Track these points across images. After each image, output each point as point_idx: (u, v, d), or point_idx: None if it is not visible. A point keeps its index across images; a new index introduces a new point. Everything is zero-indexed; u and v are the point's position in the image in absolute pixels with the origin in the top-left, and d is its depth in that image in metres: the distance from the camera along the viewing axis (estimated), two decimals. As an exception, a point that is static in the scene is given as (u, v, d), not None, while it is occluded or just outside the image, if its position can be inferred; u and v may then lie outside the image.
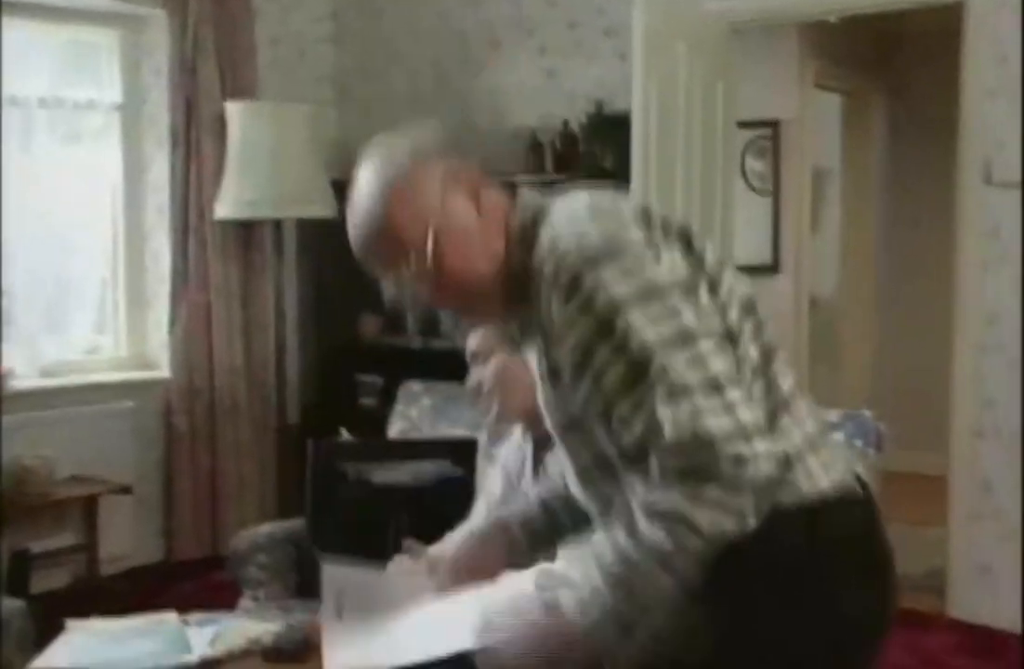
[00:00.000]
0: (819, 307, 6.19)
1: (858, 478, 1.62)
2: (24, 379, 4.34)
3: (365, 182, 1.66)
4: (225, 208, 4.47)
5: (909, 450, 5.39)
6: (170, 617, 2.50)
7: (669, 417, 1.42)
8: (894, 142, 6.49)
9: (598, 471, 1.62)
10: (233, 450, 4.77)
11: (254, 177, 4.41)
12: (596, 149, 4.45)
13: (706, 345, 1.47)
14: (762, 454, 1.43)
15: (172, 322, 4.68)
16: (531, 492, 1.99)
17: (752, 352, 1.56)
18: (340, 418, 3.85)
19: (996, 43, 3.90)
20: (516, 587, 1.80)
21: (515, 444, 2.59)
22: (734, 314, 1.56)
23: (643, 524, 1.45)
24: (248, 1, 4.80)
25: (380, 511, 2.97)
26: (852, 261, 6.50)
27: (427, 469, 3.02)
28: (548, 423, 1.69)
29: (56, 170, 4.59)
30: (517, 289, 1.59)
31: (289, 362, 4.93)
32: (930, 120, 5.87)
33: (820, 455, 1.57)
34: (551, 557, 1.85)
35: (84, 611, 2.51)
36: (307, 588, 3.08)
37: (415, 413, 3.42)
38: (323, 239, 5.05)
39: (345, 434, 3.42)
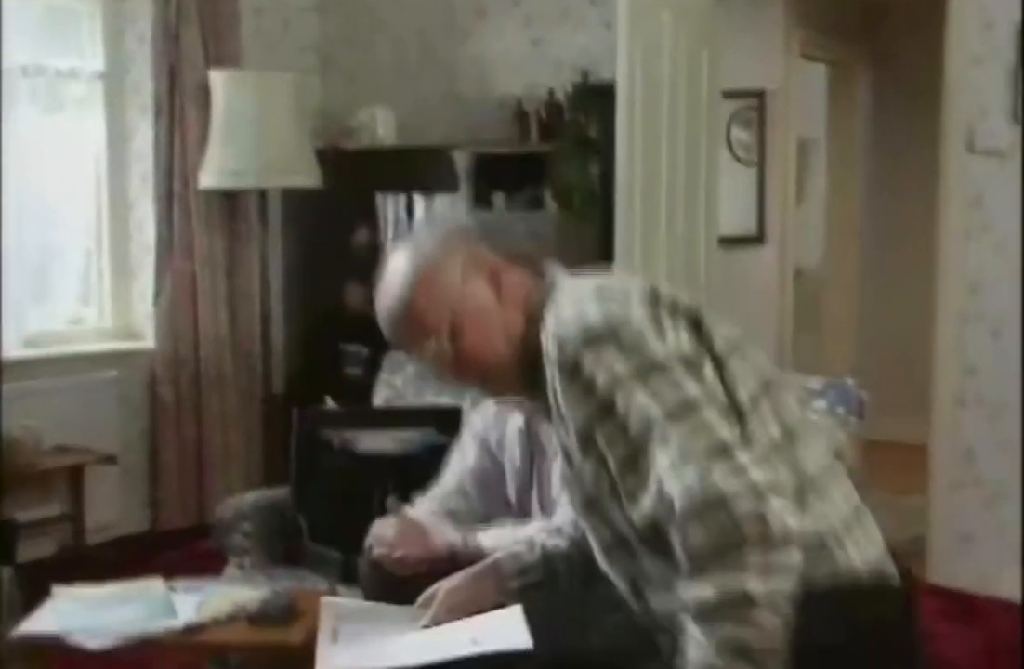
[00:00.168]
0: (804, 277, 6.20)
1: (892, 557, 1.60)
2: (8, 349, 4.33)
3: (395, 268, 1.77)
4: (209, 177, 4.46)
5: (892, 419, 5.42)
6: (156, 584, 2.52)
7: (677, 487, 1.42)
8: (879, 112, 6.48)
9: (618, 550, 1.63)
10: (218, 420, 4.77)
11: (238, 146, 4.40)
12: (581, 118, 4.44)
13: (710, 413, 1.47)
14: (782, 509, 1.41)
15: (157, 292, 4.67)
16: (537, 537, 2.06)
17: (773, 431, 1.55)
18: (325, 388, 3.86)
19: (981, 9, 3.90)
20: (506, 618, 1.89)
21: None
22: (745, 393, 1.55)
23: (704, 630, 1.41)
24: (231, -32, 4.77)
25: (364, 479, 2.98)
26: (837, 231, 6.52)
27: (412, 437, 3.04)
28: (569, 501, 1.72)
29: (39, 139, 4.56)
30: (534, 368, 1.63)
31: (274, 332, 4.93)
32: (916, 89, 5.87)
33: (854, 536, 1.55)
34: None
35: (70, 580, 2.53)
36: (292, 556, 3.10)
37: (400, 381, 3.43)
38: (308, 209, 5.05)
39: (330, 402, 3.43)
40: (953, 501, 4.10)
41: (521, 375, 1.68)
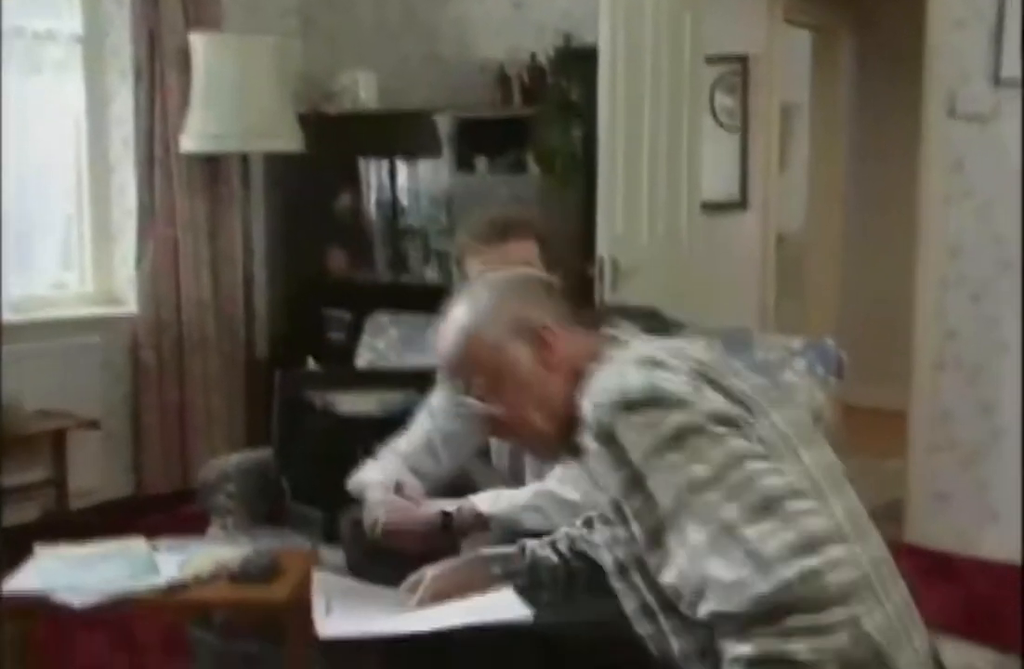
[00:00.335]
0: (786, 243, 6.21)
1: (935, 657, 1.55)
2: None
3: (451, 318, 1.76)
4: (190, 141, 4.43)
5: (872, 385, 5.46)
6: (138, 543, 2.54)
7: (718, 562, 1.36)
8: (863, 77, 6.48)
9: (645, 617, 1.60)
10: (201, 384, 4.77)
11: (219, 110, 4.37)
12: (563, 82, 4.43)
13: (757, 465, 1.42)
14: (840, 559, 1.36)
15: (139, 257, 4.65)
16: (530, 543, 2.02)
17: (838, 511, 1.49)
18: (308, 352, 3.87)
19: (963, -27, 3.90)
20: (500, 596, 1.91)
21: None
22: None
23: None
24: (211, -71, 4.72)
25: (347, 440, 2.99)
26: (819, 197, 6.53)
27: (394, 399, 3.05)
28: (606, 564, 1.68)
29: (17, 102, 4.52)
30: (574, 433, 1.61)
31: (257, 297, 4.92)
32: (899, 55, 5.86)
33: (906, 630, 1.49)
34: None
35: (54, 544, 2.54)
36: (275, 517, 3.12)
37: (382, 344, 3.43)
38: (291, 173, 5.03)
39: (312, 364, 3.44)
40: (931, 463, 4.14)
41: (561, 441, 1.66)
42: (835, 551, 1.36)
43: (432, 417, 2.65)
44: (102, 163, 4.76)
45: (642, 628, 1.60)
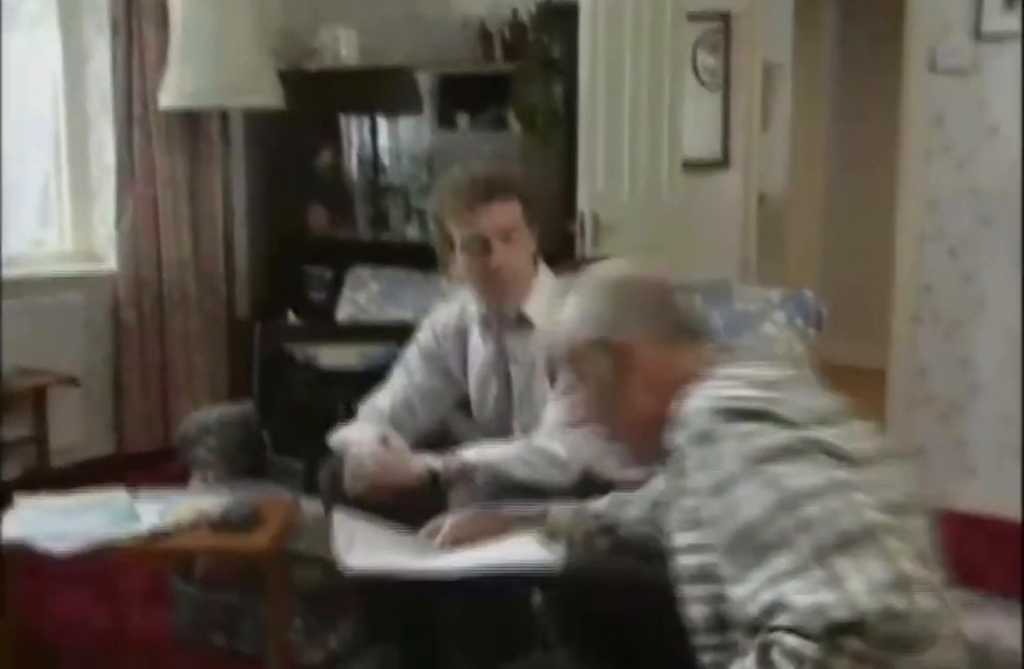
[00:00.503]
0: (768, 202, 6.21)
1: None
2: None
3: (557, 310, 1.74)
4: (169, 97, 4.39)
5: (852, 343, 5.49)
6: (119, 493, 2.55)
7: (798, 585, 1.29)
8: (846, 35, 6.46)
9: (705, 633, 1.54)
10: (182, 342, 4.76)
11: (198, 65, 4.33)
12: (545, 38, 4.40)
13: (859, 497, 1.37)
14: (928, 611, 1.30)
15: (118, 215, 4.63)
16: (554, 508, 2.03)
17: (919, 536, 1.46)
18: (289, 310, 3.87)
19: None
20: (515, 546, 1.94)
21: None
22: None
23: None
24: None
25: (327, 393, 3.01)
26: (802, 156, 6.52)
27: (374, 352, 3.05)
28: (678, 567, 1.62)
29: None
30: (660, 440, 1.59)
31: (238, 255, 4.91)
32: (881, 11, 5.83)
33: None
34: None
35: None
36: (256, 470, 3.13)
37: (363, 298, 3.43)
38: (271, 130, 5.00)
39: (292, 317, 3.43)
40: (909, 418, 4.17)
41: (642, 445, 1.68)
42: (925, 601, 1.30)
43: (408, 374, 2.66)
44: (80, 120, 4.72)
45: (706, 639, 1.54)
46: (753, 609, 1.32)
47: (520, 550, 1.94)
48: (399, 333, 3.02)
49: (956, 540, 1.44)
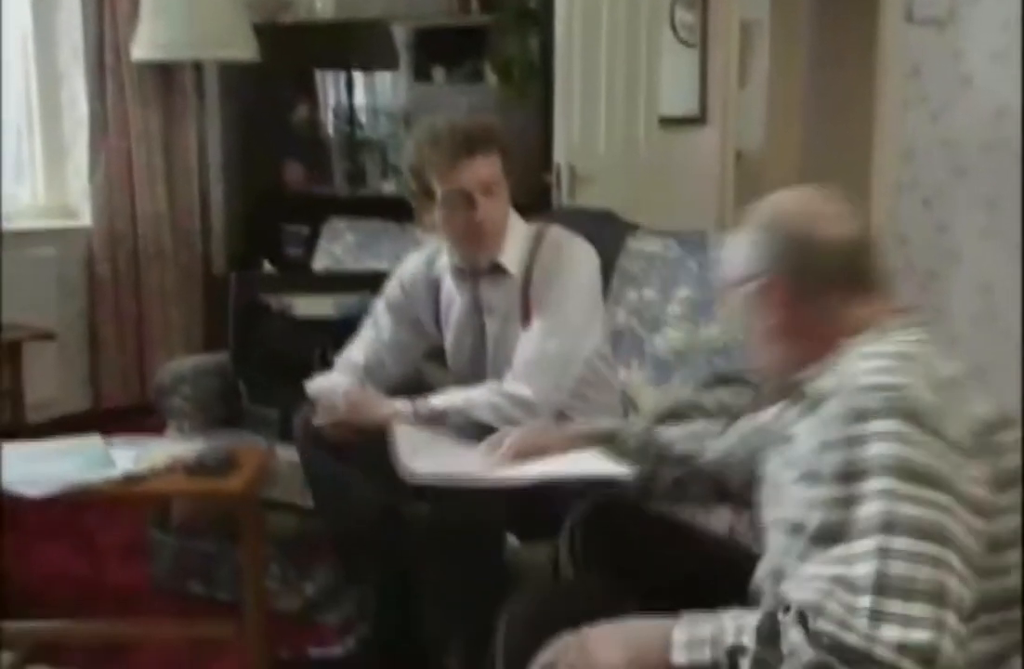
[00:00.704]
0: (745, 160, 6.20)
1: None
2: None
3: (753, 218, 1.64)
4: (141, 49, 4.34)
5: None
6: (93, 439, 2.54)
7: (866, 600, 1.28)
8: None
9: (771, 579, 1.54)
10: (159, 298, 4.74)
11: (170, 17, 4.27)
12: (522, -10, 4.38)
13: (954, 560, 1.31)
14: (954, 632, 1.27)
15: (92, 169, 4.59)
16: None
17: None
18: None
19: None
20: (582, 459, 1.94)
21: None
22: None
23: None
24: None
25: (303, 343, 3.01)
26: (779, 113, 6.51)
27: (349, 301, 3.05)
28: (766, 516, 1.61)
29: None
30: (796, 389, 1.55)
31: (214, 210, 4.87)
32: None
33: None
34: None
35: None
36: (232, 420, 3.13)
37: (339, 250, 3.43)
38: (246, 84, 4.94)
39: (268, 266, 3.42)
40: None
41: (783, 385, 1.61)
42: (921, 610, 1.27)
43: (376, 327, 2.66)
44: (51, 73, 4.67)
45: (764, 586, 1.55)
46: (794, 593, 1.34)
47: (589, 463, 1.94)
48: (374, 282, 3.01)
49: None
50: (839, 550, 1.33)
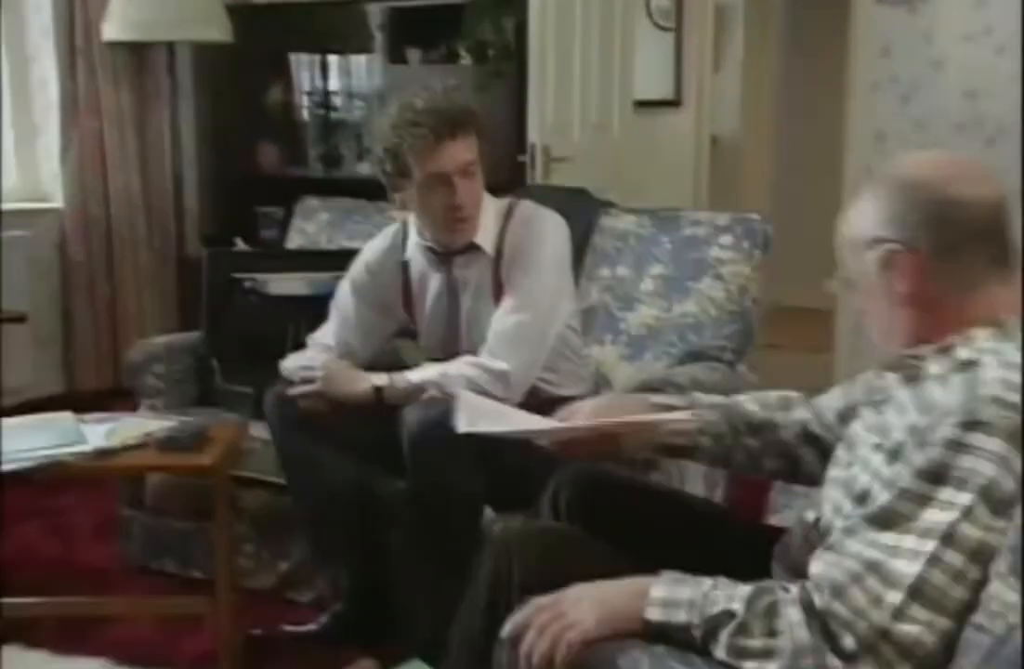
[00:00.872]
0: (720, 144, 6.21)
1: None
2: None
3: (864, 201, 1.57)
4: (113, 29, 4.30)
5: (801, 285, 5.51)
6: (65, 415, 2.54)
7: (859, 597, 1.32)
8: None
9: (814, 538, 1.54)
10: (132, 280, 4.72)
11: (142, -4, 4.25)
12: (495, -29, 4.36)
13: (972, 574, 1.32)
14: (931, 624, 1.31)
15: (63, 151, 4.56)
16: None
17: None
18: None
19: None
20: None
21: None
22: None
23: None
24: None
25: (276, 320, 3.00)
26: (753, 97, 6.51)
27: (322, 279, 3.04)
28: (830, 470, 1.61)
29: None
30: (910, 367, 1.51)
31: (187, 192, 4.84)
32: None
33: None
34: None
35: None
36: (206, 398, 3.12)
37: (312, 228, 3.42)
38: (219, 66, 4.91)
39: (241, 244, 3.41)
40: (855, 351, 4.23)
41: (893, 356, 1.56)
42: (941, 623, 1.31)
43: (342, 310, 2.66)
44: (20, 54, 4.62)
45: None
46: (816, 567, 1.37)
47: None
48: (348, 260, 3.01)
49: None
50: (890, 538, 1.33)
